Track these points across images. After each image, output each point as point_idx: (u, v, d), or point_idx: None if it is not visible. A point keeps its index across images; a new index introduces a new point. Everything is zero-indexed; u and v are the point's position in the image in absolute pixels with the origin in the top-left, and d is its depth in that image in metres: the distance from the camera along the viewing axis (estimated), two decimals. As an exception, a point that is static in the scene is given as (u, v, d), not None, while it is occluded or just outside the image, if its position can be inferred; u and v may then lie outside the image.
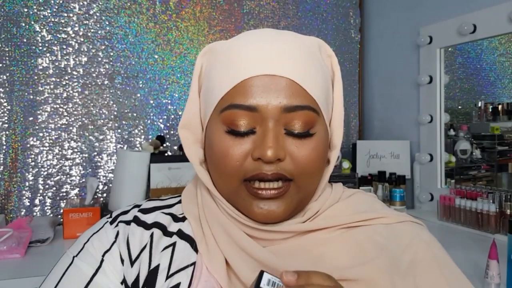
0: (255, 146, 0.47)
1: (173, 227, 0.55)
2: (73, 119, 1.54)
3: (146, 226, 0.55)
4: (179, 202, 0.60)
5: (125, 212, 0.57)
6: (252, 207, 0.49)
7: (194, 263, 0.51)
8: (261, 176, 0.47)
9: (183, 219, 0.56)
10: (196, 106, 0.55)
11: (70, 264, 0.53)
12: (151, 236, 0.53)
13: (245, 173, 0.48)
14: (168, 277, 0.50)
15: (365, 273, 0.47)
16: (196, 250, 0.52)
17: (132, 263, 0.52)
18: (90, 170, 1.56)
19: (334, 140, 0.55)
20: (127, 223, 0.55)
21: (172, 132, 1.69)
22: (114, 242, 0.54)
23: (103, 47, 1.58)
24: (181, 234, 0.54)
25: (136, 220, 0.55)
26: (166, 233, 0.54)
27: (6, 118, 1.46)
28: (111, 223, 0.56)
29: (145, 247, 0.53)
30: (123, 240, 0.53)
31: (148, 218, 0.56)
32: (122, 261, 0.53)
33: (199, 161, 0.55)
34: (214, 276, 0.49)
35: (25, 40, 1.48)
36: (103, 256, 0.53)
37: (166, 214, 0.57)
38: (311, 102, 0.48)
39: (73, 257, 0.54)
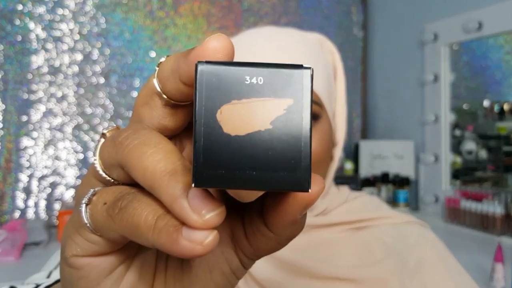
0: None
1: None
2: (68, 118, 1.51)
3: None
4: None
5: None
6: None
7: None
8: None
9: None
10: None
11: None
12: None
13: None
14: None
15: (375, 274, 0.47)
16: None
17: None
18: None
19: (338, 136, 0.55)
20: None
21: (170, 131, 1.66)
22: None
23: (98, 44, 1.55)
24: None
25: None
26: None
27: (0, 117, 1.43)
28: None
29: None
30: None
31: None
32: None
33: None
34: None
35: (19, 38, 1.45)
36: None
37: None
38: (315, 97, 0.49)
39: None
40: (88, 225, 0.19)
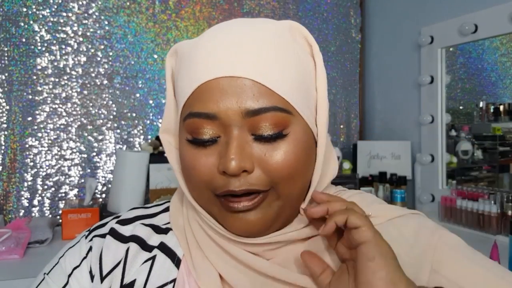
0: (220, 157, 0.43)
1: (155, 239, 0.52)
2: (72, 119, 1.53)
3: (123, 239, 0.52)
4: (165, 210, 0.56)
5: (102, 225, 0.55)
6: (228, 221, 0.45)
7: (174, 280, 0.48)
8: (231, 194, 0.43)
9: (167, 230, 0.53)
10: (174, 109, 0.52)
11: (41, 281, 0.52)
12: (127, 251, 0.51)
13: (214, 189, 0.44)
14: None
15: None
16: (178, 265, 0.49)
17: (102, 279, 0.50)
18: (89, 170, 1.55)
19: (319, 135, 0.48)
20: (102, 236, 0.53)
21: (171, 132, 1.68)
22: (85, 258, 0.52)
23: (102, 46, 1.57)
24: (163, 247, 0.51)
25: (113, 233, 0.53)
26: (146, 247, 0.51)
27: (4, 118, 1.45)
28: (86, 237, 0.54)
29: (119, 262, 0.50)
30: (96, 255, 0.51)
31: (126, 230, 0.53)
32: (92, 277, 0.51)
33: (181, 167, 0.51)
34: None
35: (24, 40, 1.47)
36: (72, 271, 0.51)
37: (147, 225, 0.54)
38: (279, 102, 0.42)
39: (44, 274, 0.53)
40: None
